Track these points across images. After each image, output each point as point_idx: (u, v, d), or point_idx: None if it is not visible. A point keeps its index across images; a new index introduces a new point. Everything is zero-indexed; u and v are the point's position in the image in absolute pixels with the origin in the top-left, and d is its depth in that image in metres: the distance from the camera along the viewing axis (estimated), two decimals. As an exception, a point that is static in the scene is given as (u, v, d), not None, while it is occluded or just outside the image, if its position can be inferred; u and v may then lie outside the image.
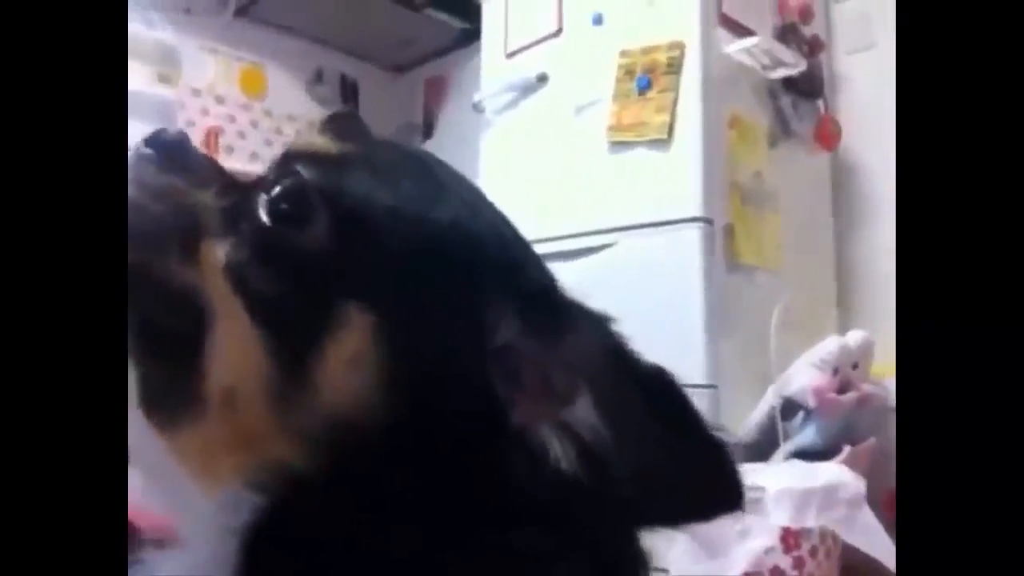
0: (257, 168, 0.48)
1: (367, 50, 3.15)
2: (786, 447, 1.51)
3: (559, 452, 0.35)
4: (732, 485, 0.36)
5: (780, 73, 1.81)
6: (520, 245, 0.42)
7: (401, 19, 2.80)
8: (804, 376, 1.56)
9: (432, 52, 3.12)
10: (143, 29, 2.54)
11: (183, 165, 0.42)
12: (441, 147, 3.03)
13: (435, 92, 3.16)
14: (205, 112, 2.74)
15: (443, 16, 2.78)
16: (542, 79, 1.98)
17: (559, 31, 1.98)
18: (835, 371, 1.55)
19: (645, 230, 1.68)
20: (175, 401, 0.38)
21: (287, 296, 0.38)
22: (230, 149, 2.76)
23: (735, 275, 1.66)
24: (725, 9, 1.75)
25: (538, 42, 2.02)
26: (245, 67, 2.87)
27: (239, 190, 0.42)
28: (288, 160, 0.41)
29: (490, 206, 0.43)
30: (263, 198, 0.39)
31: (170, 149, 0.42)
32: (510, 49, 2.11)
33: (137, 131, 0.42)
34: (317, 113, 3.04)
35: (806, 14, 1.94)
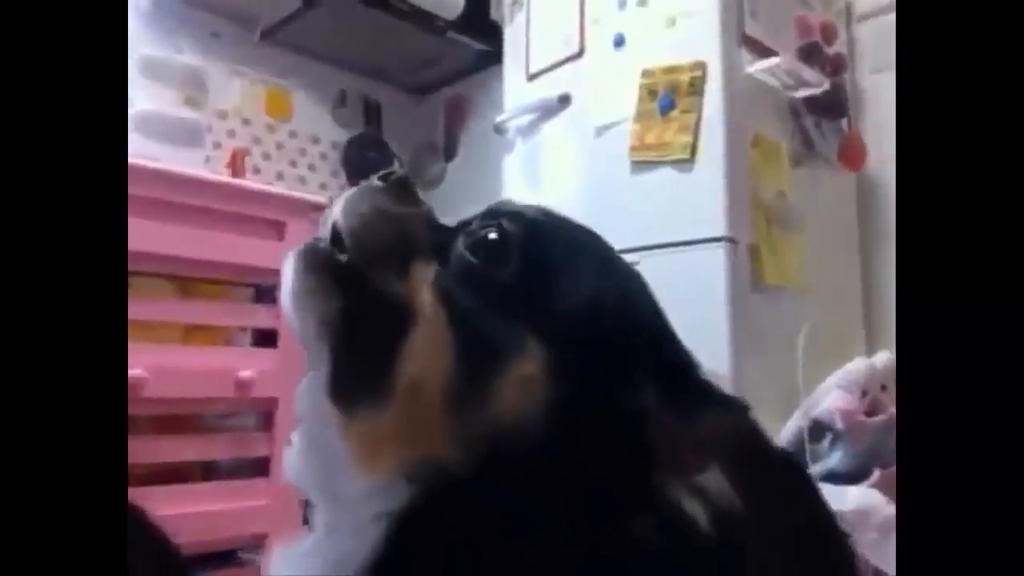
0: (282, 187, 0.54)
1: (390, 73, 3.18)
2: (815, 469, 1.48)
3: (695, 512, 0.38)
4: (846, 573, 0.40)
5: (803, 93, 1.80)
6: (669, 326, 0.47)
7: (423, 42, 2.84)
8: (832, 398, 1.53)
9: (454, 74, 3.15)
10: (172, 53, 2.59)
11: (408, 199, 0.51)
12: (463, 168, 3.04)
13: (456, 114, 3.19)
14: (231, 134, 2.79)
15: (465, 39, 2.81)
16: (564, 100, 1.99)
17: (581, 52, 1.99)
18: (864, 393, 1.52)
19: (669, 250, 1.67)
20: (364, 387, 0.43)
21: (482, 314, 0.44)
22: (256, 170, 2.80)
23: (760, 295, 1.64)
24: (747, 29, 1.75)
25: (560, 64, 2.03)
26: (270, 90, 2.91)
27: (447, 230, 0.50)
28: (494, 213, 0.48)
29: (646, 286, 0.49)
30: (467, 239, 0.47)
31: (400, 186, 0.51)
32: (532, 71, 2.13)
33: (165, 152, 0.46)
34: (340, 135, 3.08)
35: (829, 33, 1.93)
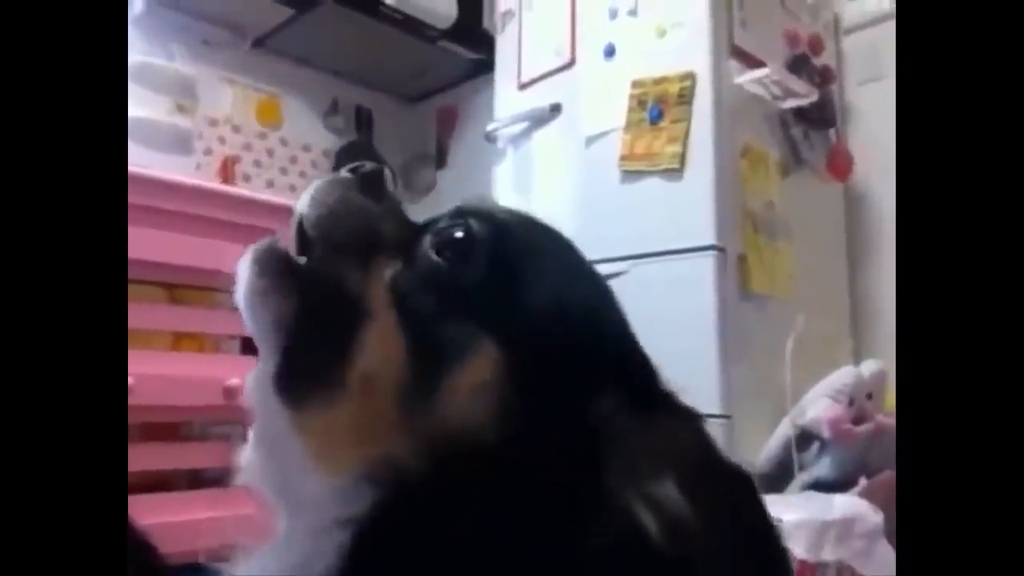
0: (272, 195, 0.55)
1: (381, 81, 3.19)
2: (801, 478, 1.49)
3: (647, 521, 0.37)
4: None
5: (791, 103, 1.82)
6: (632, 334, 0.47)
7: (415, 50, 2.84)
8: (819, 407, 1.54)
9: (445, 83, 3.15)
10: (164, 60, 2.59)
11: (378, 194, 0.50)
12: (454, 177, 3.05)
13: (448, 122, 3.19)
14: (222, 141, 2.78)
15: (456, 47, 2.82)
16: (555, 110, 2.00)
17: (572, 63, 2.00)
18: (851, 402, 1.53)
19: (658, 259, 1.68)
20: (315, 382, 0.43)
21: (437, 316, 0.43)
22: (247, 177, 2.80)
23: (748, 304, 1.65)
24: (736, 40, 1.76)
25: (551, 73, 2.04)
26: (262, 98, 2.91)
27: (411, 226, 0.50)
28: (462, 213, 0.48)
29: (611, 292, 0.48)
30: (433, 237, 0.46)
31: (370, 180, 0.50)
32: (523, 80, 2.14)
33: (155, 159, 0.46)
34: (332, 143, 3.08)
35: (816, 45, 1.95)
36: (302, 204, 0.48)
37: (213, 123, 2.76)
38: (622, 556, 0.37)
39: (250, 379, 0.46)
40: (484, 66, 2.64)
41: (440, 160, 3.18)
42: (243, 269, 0.46)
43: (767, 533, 0.39)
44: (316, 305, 0.45)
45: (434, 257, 0.46)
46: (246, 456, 0.47)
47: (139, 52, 2.51)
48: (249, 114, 2.88)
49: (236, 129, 2.84)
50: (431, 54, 2.87)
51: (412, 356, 0.42)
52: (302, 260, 0.47)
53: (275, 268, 0.46)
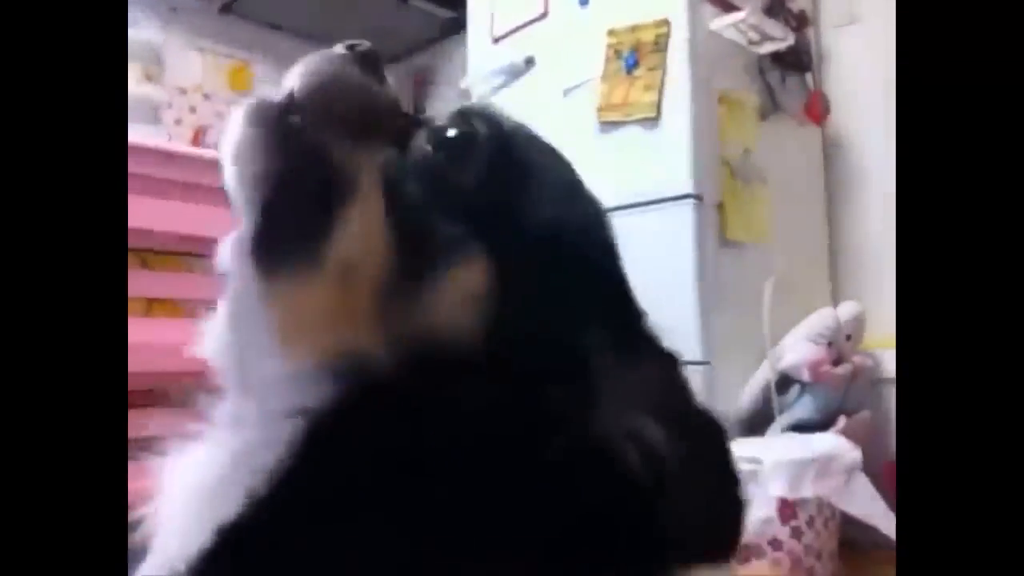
0: None
1: (354, 43, 3.13)
2: (782, 420, 1.51)
3: (627, 454, 0.36)
4: (735, 536, 0.39)
5: (768, 48, 1.80)
6: (623, 269, 0.45)
7: (387, 11, 2.79)
8: (798, 350, 1.56)
9: (419, 43, 3.10)
10: (128, 28, 2.53)
11: (374, 75, 0.46)
12: (432, 137, 3.01)
13: (422, 83, 3.15)
14: (193, 110, 2.74)
15: (428, 6, 2.77)
16: (529, 62, 1.97)
17: (545, 14, 1.97)
18: (829, 344, 1.55)
19: (636, 209, 1.67)
20: (288, 251, 0.40)
21: (429, 212, 0.41)
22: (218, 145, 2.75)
23: (727, 251, 1.65)
24: (711, -15, 1.74)
25: (524, 26, 2.01)
26: (232, 64, 2.86)
27: (411, 119, 0.46)
28: (466, 114, 0.45)
29: (609, 223, 0.46)
30: (431, 132, 0.43)
31: (366, 58, 0.47)
32: (496, 34, 2.10)
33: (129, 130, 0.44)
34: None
35: (792, -11, 1.93)
36: (292, 74, 0.45)
37: (183, 92, 2.71)
38: (597, 479, 0.36)
39: (226, 243, 0.43)
40: (457, 24, 2.60)
41: (417, 121, 3.14)
42: (235, 120, 0.43)
43: (731, 480, 0.39)
44: (303, 167, 0.42)
45: (432, 150, 0.43)
46: (213, 326, 0.44)
47: (102, 18, 2.44)
48: (220, 81, 2.83)
49: (207, 97, 2.79)
50: (403, 14, 2.82)
51: (397, 248, 0.39)
52: (296, 120, 0.44)
53: (268, 121, 0.43)
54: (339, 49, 0.46)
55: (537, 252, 0.41)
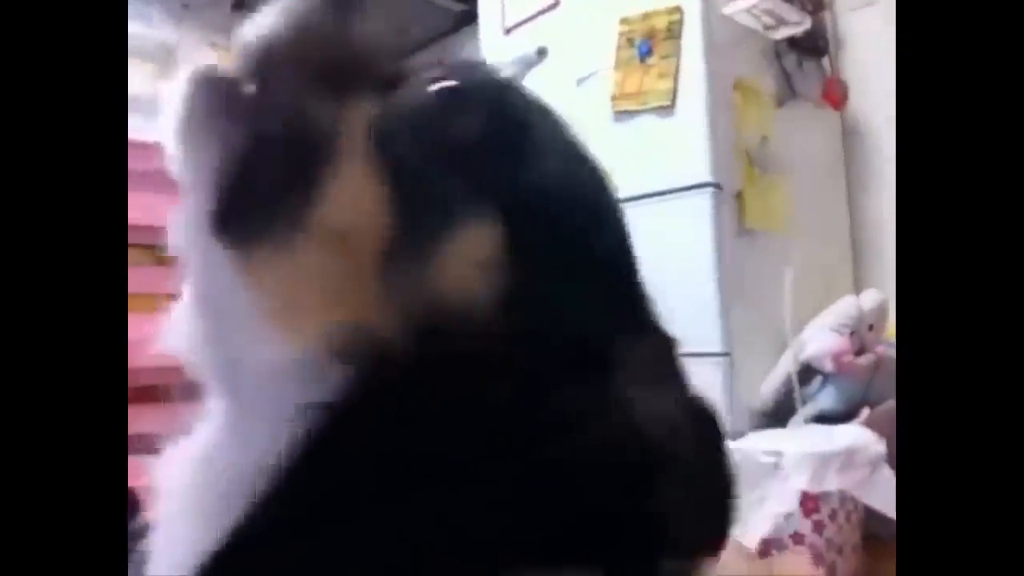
0: None
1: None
2: (804, 412, 1.49)
3: (642, 421, 0.35)
4: (726, 523, 0.38)
5: (783, 33, 1.77)
6: (630, 239, 0.41)
7: (398, 5, 2.77)
8: (821, 340, 1.53)
9: (431, 37, 3.09)
10: (141, 26, 2.54)
11: (350, 17, 0.41)
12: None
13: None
14: (207, 107, 2.74)
15: (440, 0, 2.76)
16: (542, 53, 1.95)
17: (556, 3, 1.95)
18: (851, 333, 1.52)
19: (653, 199, 1.65)
20: (266, 220, 0.35)
21: (428, 169, 0.36)
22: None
23: (746, 240, 1.63)
24: (724, -30, 1.71)
25: (536, 15, 1.99)
26: (245, 60, 2.86)
27: (397, 66, 0.41)
28: (463, 66, 0.41)
29: (615, 193, 0.42)
30: (427, 80, 0.39)
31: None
32: (508, 25, 2.08)
33: (142, 128, 0.42)
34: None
35: (808, -29, 1.89)
36: (251, 27, 0.39)
37: (197, 88, 2.72)
38: (620, 455, 0.34)
39: (174, 217, 0.37)
40: (468, 17, 2.58)
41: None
42: (174, 92, 0.37)
43: (724, 463, 0.38)
44: (271, 136, 0.36)
45: (429, 101, 0.38)
46: (173, 319, 0.38)
47: (115, 18, 2.45)
48: (234, 78, 2.84)
49: (221, 93, 2.80)
50: (415, 7, 2.80)
51: (395, 213, 0.35)
52: (251, 88, 0.38)
53: (219, 89, 0.37)
54: None
55: (548, 209, 0.37)
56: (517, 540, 0.33)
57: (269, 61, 0.38)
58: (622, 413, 0.35)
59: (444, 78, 0.39)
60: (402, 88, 0.39)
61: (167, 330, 0.38)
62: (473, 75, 0.40)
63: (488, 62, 0.45)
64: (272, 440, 0.32)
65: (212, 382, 0.37)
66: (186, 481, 0.35)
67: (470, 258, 0.34)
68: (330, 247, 0.34)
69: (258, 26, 0.38)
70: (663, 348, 0.39)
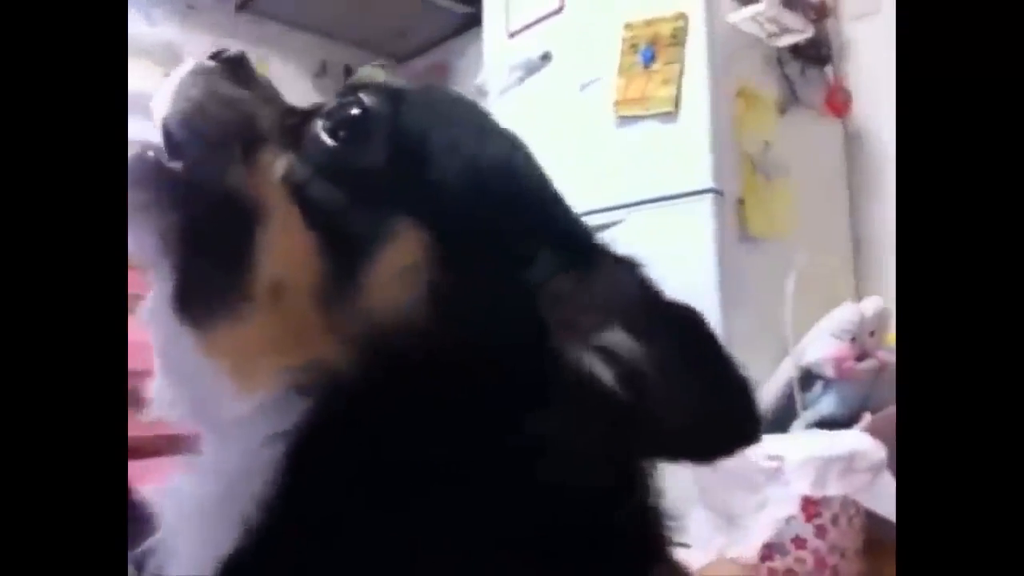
0: None
1: (370, 41, 3.13)
2: (805, 417, 1.49)
3: (600, 373, 0.36)
4: (752, 419, 0.38)
5: (787, 40, 1.78)
6: (555, 189, 0.44)
7: (403, 7, 2.79)
8: (822, 345, 1.54)
9: (435, 40, 3.10)
10: (145, 26, 2.54)
11: (247, 80, 0.45)
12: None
13: (438, 79, 3.14)
14: (211, 108, 2.75)
15: (446, 2, 2.76)
16: (545, 58, 1.96)
17: (561, 8, 1.95)
18: (852, 339, 1.53)
19: (655, 205, 1.66)
20: (217, 297, 0.39)
21: (344, 206, 0.40)
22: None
23: (747, 246, 1.64)
24: (729, -23, 1.72)
25: (540, 20, 2.00)
26: (249, 61, 2.87)
27: (299, 113, 0.45)
28: (352, 89, 0.44)
29: (527, 149, 0.45)
30: (324, 121, 0.42)
31: (235, 65, 0.45)
32: (512, 29, 2.09)
33: (140, 129, 0.44)
34: (322, 105, 3.04)
35: (811, -21, 1.90)
36: (161, 102, 0.42)
37: (201, 89, 2.72)
38: (581, 413, 0.36)
39: (147, 303, 0.42)
40: (473, 20, 2.59)
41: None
42: (126, 181, 0.41)
43: (722, 363, 0.37)
44: (202, 214, 0.41)
45: (329, 141, 0.41)
46: (155, 386, 0.42)
47: (121, 18, 2.46)
48: (238, 79, 2.84)
49: (225, 95, 2.80)
50: (419, 10, 2.81)
51: (323, 252, 0.38)
52: (177, 166, 0.42)
53: (149, 179, 0.41)
54: (205, 62, 0.45)
55: (461, 206, 0.40)
56: (495, 535, 0.35)
57: (186, 135, 0.42)
58: (583, 358, 0.36)
59: (340, 110, 0.42)
60: (304, 134, 0.42)
61: (152, 400, 0.43)
62: (368, 98, 0.42)
63: (382, 74, 0.47)
64: (247, 470, 0.36)
65: (196, 427, 0.41)
66: (186, 506, 0.38)
67: (397, 268, 0.38)
68: (273, 301, 0.38)
69: (168, 100, 0.42)
70: (621, 271, 0.39)
